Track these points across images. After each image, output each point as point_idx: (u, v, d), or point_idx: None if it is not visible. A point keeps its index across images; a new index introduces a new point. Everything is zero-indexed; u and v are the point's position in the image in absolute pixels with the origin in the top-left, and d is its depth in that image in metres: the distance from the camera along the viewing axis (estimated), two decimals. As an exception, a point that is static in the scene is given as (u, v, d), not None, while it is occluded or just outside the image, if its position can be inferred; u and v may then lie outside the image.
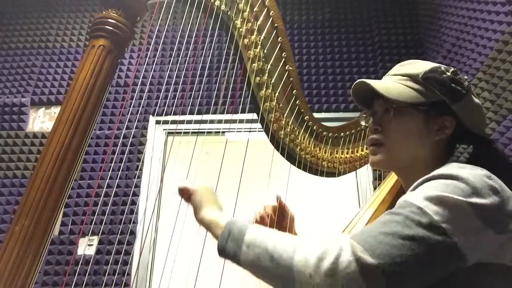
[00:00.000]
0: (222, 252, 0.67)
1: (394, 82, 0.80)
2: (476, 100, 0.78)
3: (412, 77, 0.78)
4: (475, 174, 0.62)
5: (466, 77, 0.78)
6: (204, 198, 0.79)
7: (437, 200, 0.58)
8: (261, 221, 1.03)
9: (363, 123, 0.89)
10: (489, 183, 0.61)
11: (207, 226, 0.74)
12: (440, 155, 0.78)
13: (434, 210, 0.57)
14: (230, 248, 0.66)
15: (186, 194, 0.83)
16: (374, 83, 0.79)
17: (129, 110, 2.50)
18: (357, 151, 1.16)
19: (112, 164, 2.35)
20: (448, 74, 0.76)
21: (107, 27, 0.90)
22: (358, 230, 0.61)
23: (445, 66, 0.78)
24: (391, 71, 0.84)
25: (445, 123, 0.76)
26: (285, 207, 1.06)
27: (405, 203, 0.60)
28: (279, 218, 1.04)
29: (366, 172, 2.19)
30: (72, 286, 2.04)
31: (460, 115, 0.76)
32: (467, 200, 0.58)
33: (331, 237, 0.59)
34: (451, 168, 0.66)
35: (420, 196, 0.60)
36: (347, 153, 1.15)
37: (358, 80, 0.81)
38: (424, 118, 0.77)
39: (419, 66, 0.79)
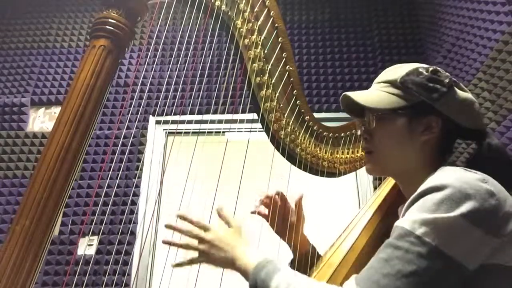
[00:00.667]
0: None
1: (376, 90, 0.81)
2: (464, 94, 0.77)
3: (391, 83, 0.79)
4: (467, 178, 0.62)
5: (447, 73, 0.77)
6: (222, 256, 0.78)
7: (433, 224, 0.59)
8: (271, 207, 1.05)
9: (359, 132, 0.90)
10: (484, 186, 0.61)
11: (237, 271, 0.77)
12: (433, 155, 0.78)
13: (432, 236, 0.58)
14: None
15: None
16: (354, 95, 0.81)
17: (129, 110, 2.49)
18: (357, 152, 1.16)
19: (112, 164, 2.35)
20: (426, 74, 0.75)
21: (107, 27, 0.90)
22: (364, 270, 0.62)
23: (424, 66, 0.78)
24: (376, 79, 0.85)
25: (431, 123, 0.76)
26: (286, 203, 1.08)
27: (403, 231, 0.61)
28: (281, 212, 1.06)
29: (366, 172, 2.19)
30: (72, 286, 2.04)
31: (446, 113, 0.75)
32: (460, 213, 0.58)
33: None
34: (443, 175, 0.66)
35: (416, 221, 0.60)
36: (348, 153, 1.15)
37: (342, 95, 0.84)
38: (407, 121, 0.77)
39: (399, 71, 0.79)
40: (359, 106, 0.81)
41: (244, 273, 0.75)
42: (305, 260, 1.04)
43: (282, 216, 1.07)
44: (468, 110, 0.77)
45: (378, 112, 0.79)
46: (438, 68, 0.77)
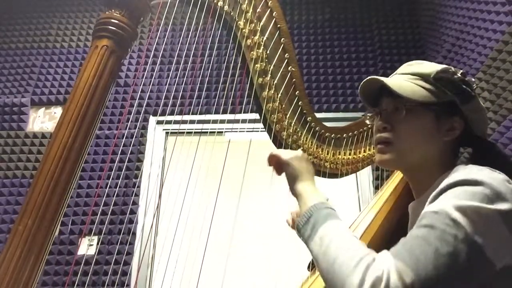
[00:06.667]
0: (299, 231, 0.72)
1: (405, 81, 0.79)
2: (481, 104, 0.79)
3: (423, 77, 0.78)
4: (496, 178, 0.62)
5: (473, 79, 0.79)
6: (299, 170, 0.80)
7: (469, 211, 0.58)
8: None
9: (368, 121, 0.88)
10: (510, 187, 0.62)
11: (297, 197, 0.78)
12: (448, 156, 0.78)
13: (467, 222, 0.57)
14: (305, 232, 0.69)
15: (274, 161, 0.84)
16: (387, 80, 0.78)
17: (129, 110, 2.49)
18: (359, 152, 1.16)
19: (114, 164, 2.34)
20: (459, 75, 0.76)
21: (110, 27, 0.90)
22: (399, 245, 0.60)
23: (453, 68, 0.78)
24: (400, 70, 0.84)
25: (454, 124, 0.77)
26: None
27: (437, 214, 0.59)
28: None
29: (366, 173, 2.19)
30: (74, 287, 2.04)
31: (469, 117, 0.77)
32: (496, 208, 0.58)
33: (379, 260, 0.58)
34: (472, 172, 0.65)
35: (451, 206, 0.59)
36: (350, 154, 1.15)
37: (370, 77, 0.81)
38: (435, 118, 0.77)
39: (429, 66, 0.79)
40: (376, 94, 0.80)
41: (300, 198, 0.76)
42: None
43: None
44: (484, 119, 0.80)
45: (410, 103, 0.77)
46: (465, 73, 0.79)
